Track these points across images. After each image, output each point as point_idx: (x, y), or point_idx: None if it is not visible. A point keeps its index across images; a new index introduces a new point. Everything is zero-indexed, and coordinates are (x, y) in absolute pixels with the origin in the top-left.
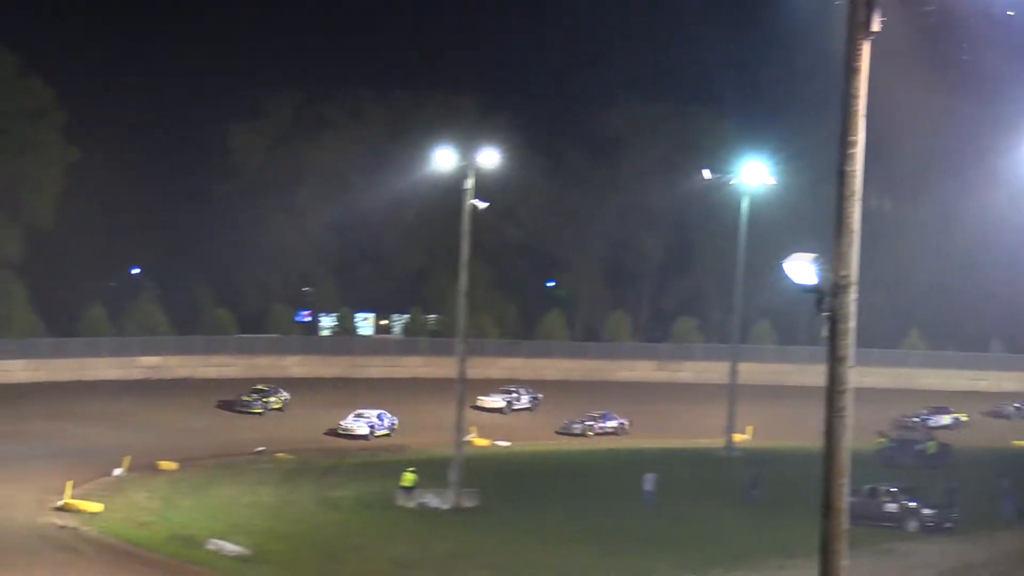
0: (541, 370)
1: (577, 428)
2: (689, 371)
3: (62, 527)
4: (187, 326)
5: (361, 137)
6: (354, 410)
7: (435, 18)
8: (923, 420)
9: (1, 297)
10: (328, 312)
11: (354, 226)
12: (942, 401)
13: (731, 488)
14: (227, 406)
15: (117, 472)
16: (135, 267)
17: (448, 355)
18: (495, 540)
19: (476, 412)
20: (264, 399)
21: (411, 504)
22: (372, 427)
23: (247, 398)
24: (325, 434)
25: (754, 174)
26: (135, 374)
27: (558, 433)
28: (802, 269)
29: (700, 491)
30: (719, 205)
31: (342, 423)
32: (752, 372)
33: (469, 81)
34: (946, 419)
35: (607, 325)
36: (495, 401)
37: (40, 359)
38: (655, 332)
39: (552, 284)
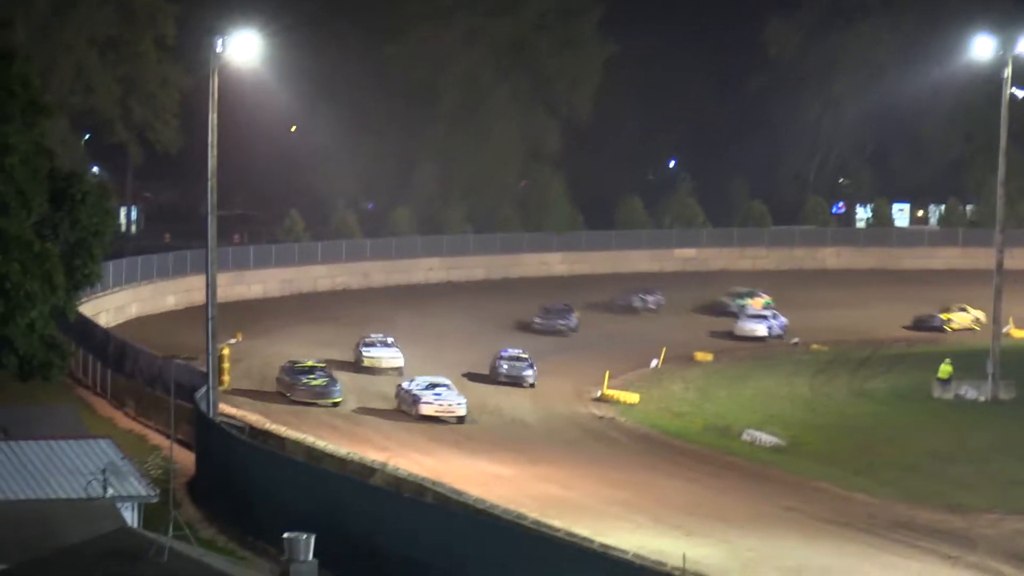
0: None
1: None
2: None
3: (600, 417)
4: (722, 218)
5: (896, 25)
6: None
7: None
8: None
9: (540, 191)
10: (863, 203)
11: (889, 115)
12: None
13: None
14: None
15: (653, 364)
16: (671, 160)
17: (985, 246)
18: None
19: (1015, 303)
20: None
21: (947, 396)
22: (770, 328)
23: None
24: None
25: None
26: (670, 266)
27: None
28: None
29: None
30: None
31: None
32: None
33: None
34: None
35: None
36: None
37: (578, 252)
38: None
39: None
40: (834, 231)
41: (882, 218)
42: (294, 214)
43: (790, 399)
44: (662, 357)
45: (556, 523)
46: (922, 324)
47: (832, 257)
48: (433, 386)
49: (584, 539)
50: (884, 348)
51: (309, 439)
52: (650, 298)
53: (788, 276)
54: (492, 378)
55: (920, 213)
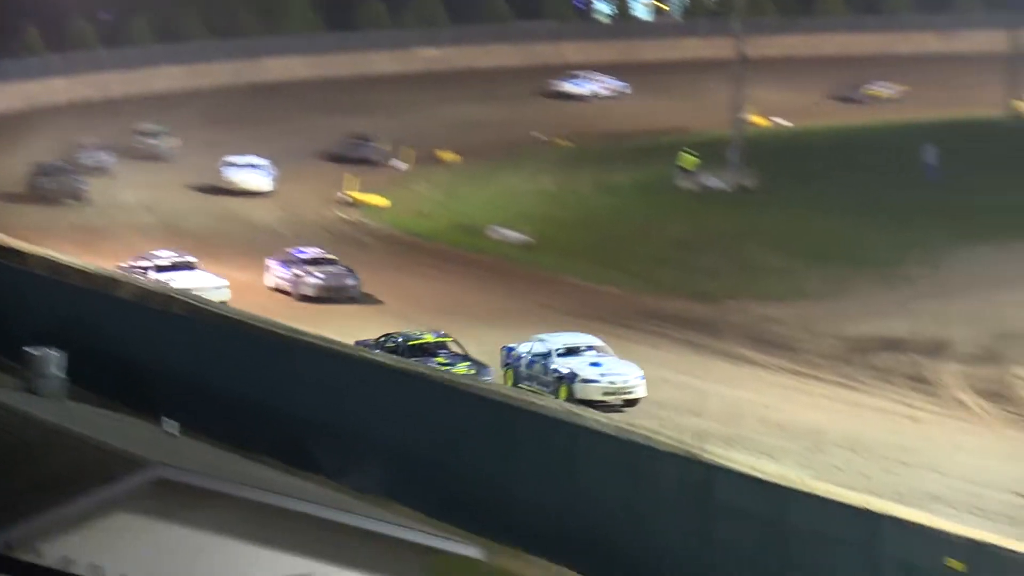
0: (819, 46)
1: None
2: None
3: (348, 222)
4: (465, 16)
5: None
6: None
7: None
8: None
9: None
10: None
11: None
12: None
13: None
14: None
15: (398, 164)
16: None
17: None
18: (777, 218)
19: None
20: None
21: (692, 186)
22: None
23: None
24: None
25: None
26: (415, 67)
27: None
28: None
29: (987, 162)
30: None
31: None
32: None
33: None
34: None
35: None
36: None
37: (319, 55)
38: None
39: None
40: (576, 25)
41: (624, 11)
42: (31, 29)
43: (536, 195)
44: (408, 158)
45: (306, 327)
46: None
47: (573, 52)
48: (574, 350)
49: (333, 340)
50: (628, 141)
51: (52, 253)
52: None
53: (532, 72)
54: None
55: (663, 5)
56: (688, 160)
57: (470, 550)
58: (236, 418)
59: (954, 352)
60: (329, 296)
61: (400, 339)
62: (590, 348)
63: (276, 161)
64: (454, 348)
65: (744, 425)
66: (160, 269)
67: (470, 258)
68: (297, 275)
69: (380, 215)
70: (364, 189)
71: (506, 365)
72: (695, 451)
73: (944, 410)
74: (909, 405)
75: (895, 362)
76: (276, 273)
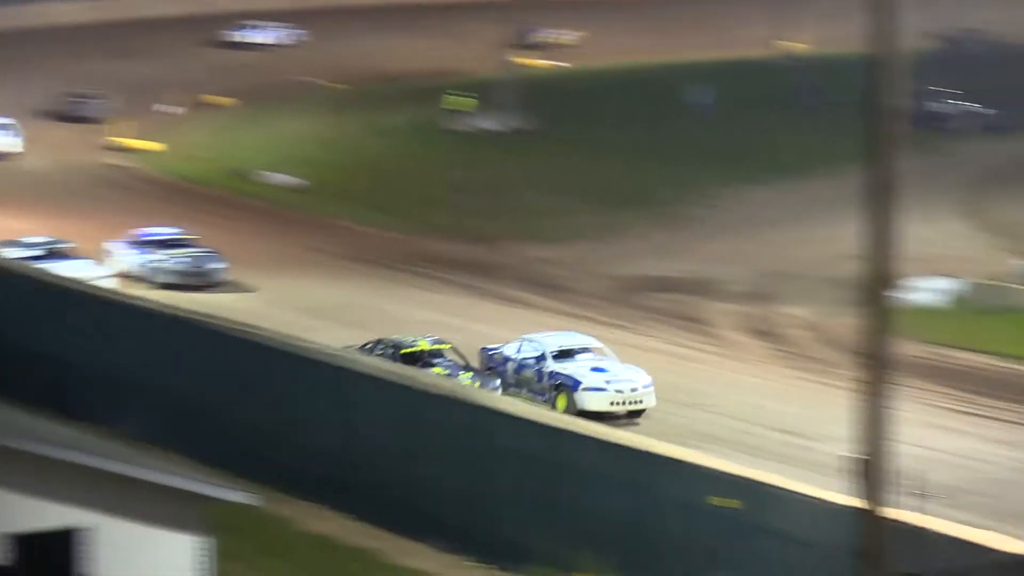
0: None
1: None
2: None
3: (118, 167)
4: None
5: None
6: None
7: None
8: None
9: None
10: None
11: None
12: None
13: (787, 98)
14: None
15: (169, 109)
16: None
17: None
18: (553, 160)
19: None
20: None
21: (466, 128)
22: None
23: None
24: None
25: None
26: None
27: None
28: None
29: (756, 102)
30: None
31: None
32: None
33: None
34: None
35: None
36: None
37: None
38: None
39: None
40: None
41: None
42: None
43: (310, 139)
44: (179, 104)
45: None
46: None
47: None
48: (569, 353)
49: (106, 288)
50: (404, 83)
51: None
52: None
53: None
54: None
55: None
56: (461, 102)
57: (247, 498)
58: (3, 365)
59: (726, 292)
60: (190, 283)
61: (391, 346)
62: (586, 350)
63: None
64: (451, 356)
65: None
66: None
67: (244, 203)
68: (151, 260)
69: (153, 160)
70: (139, 135)
71: (488, 370)
72: (472, 395)
73: (717, 349)
74: (683, 345)
75: (669, 302)
76: (123, 257)
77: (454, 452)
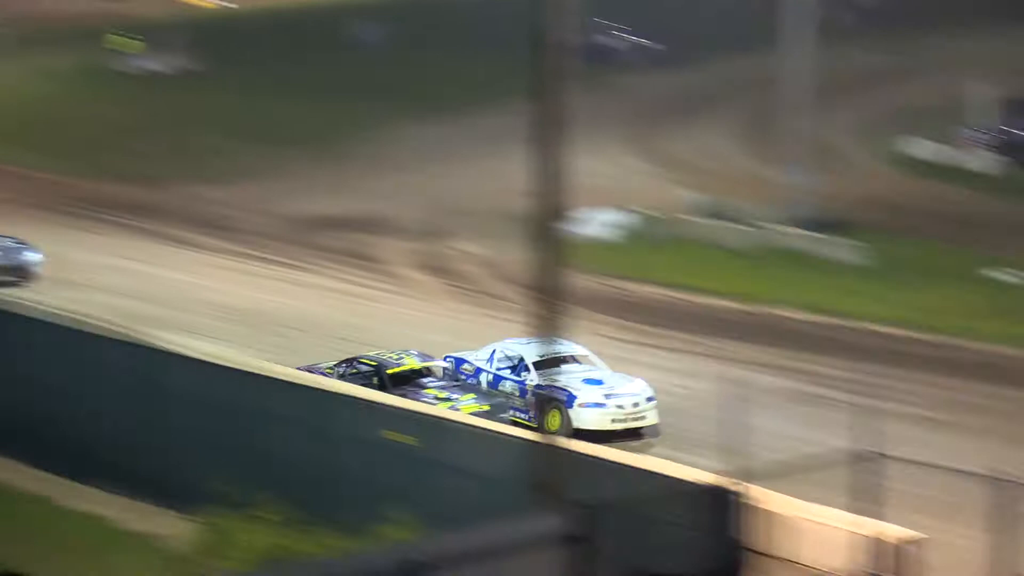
0: None
1: None
2: None
3: None
4: None
5: None
6: None
7: None
8: None
9: None
10: None
11: None
12: None
13: (459, 36)
14: None
15: None
16: None
17: None
18: (219, 100)
19: None
20: None
21: (131, 69)
22: None
23: None
24: None
25: None
26: None
27: None
28: None
29: (428, 40)
30: None
31: None
32: None
33: None
34: None
35: None
36: None
37: None
38: None
39: None
40: None
41: None
42: None
43: None
44: None
45: None
46: None
47: None
48: (554, 361)
49: None
50: (68, 25)
51: None
52: None
53: None
54: None
55: None
56: (126, 43)
57: None
58: None
59: (398, 229)
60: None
61: (373, 365)
62: (573, 359)
63: None
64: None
65: (190, 309)
66: None
67: None
68: None
69: None
70: None
71: (457, 382)
72: (143, 337)
73: (391, 287)
74: (354, 283)
75: (340, 240)
76: None
77: (128, 395)
